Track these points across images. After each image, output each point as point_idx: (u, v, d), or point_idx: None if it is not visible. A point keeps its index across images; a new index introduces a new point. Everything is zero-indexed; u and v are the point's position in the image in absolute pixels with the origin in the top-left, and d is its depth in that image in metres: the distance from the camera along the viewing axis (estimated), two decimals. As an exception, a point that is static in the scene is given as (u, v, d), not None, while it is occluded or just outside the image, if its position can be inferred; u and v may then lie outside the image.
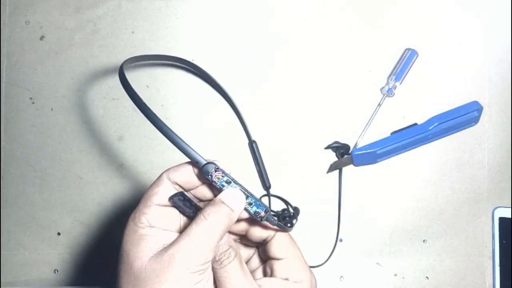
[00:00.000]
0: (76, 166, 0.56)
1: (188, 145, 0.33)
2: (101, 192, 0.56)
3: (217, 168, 0.33)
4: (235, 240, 0.38)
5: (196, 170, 0.34)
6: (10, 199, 0.56)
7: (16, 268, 0.56)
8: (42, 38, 0.56)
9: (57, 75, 0.56)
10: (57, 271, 0.56)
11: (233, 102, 0.53)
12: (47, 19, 0.56)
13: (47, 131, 0.56)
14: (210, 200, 0.34)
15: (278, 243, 0.36)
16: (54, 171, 0.56)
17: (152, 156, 0.56)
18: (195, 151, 0.33)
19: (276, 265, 0.35)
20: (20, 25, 0.56)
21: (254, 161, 0.43)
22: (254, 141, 0.44)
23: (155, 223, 0.33)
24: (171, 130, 0.32)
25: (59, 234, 0.56)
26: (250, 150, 0.43)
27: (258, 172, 0.43)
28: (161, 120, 0.32)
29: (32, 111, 0.56)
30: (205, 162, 0.33)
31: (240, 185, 0.34)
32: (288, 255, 0.35)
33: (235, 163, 0.54)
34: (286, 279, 0.34)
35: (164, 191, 0.34)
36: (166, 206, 0.34)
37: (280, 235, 0.36)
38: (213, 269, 0.32)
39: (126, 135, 0.56)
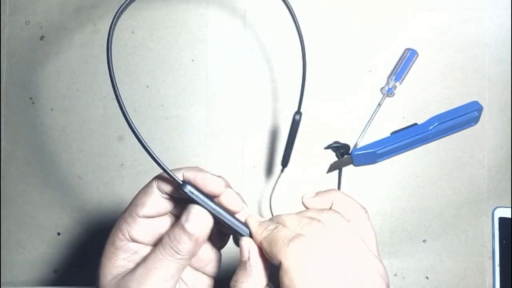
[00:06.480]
0: (76, 166, 0.56)
1: (164, 164, 0.29)
2: (101, 192, 0.56)
3: (192, 189, 0.30)
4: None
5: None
6: (10, 199, 0.56)
7: (16, 268, 0.56)
8: (42, 38, 0.56)
9: (57, 75, 0.56)
10: (57, 271, 0.56)
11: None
12: (47, 19, 0.56)
13: (47, 131, 0.56)
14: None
15: None
16: (54, 171, 0.56)
17: (152, 156, 0.55)
18: (170, 170, 0.29)
19: None
20: (20, 25, 0.56)
21: (288, 135, 0.42)
22: (300, 113, 0.43)
23: (137, 235, 0.32)
24: (153, 153, 0.29)
25: (59, 234, 0.56)
26: (292, 123, 0.42)
27: (285, 147, 0.41)
28: (140, 136, 0.29)
29: (32, 111, 0.56)
30: (181, 182, 0.30)
31: (216, 204, 0.30)
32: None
33: (232, 158, 0.54)
34: None
35: (151, 203, 0.31)
36: (151, 217, 0.32)
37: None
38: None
39: (126, 135, 0.56)
